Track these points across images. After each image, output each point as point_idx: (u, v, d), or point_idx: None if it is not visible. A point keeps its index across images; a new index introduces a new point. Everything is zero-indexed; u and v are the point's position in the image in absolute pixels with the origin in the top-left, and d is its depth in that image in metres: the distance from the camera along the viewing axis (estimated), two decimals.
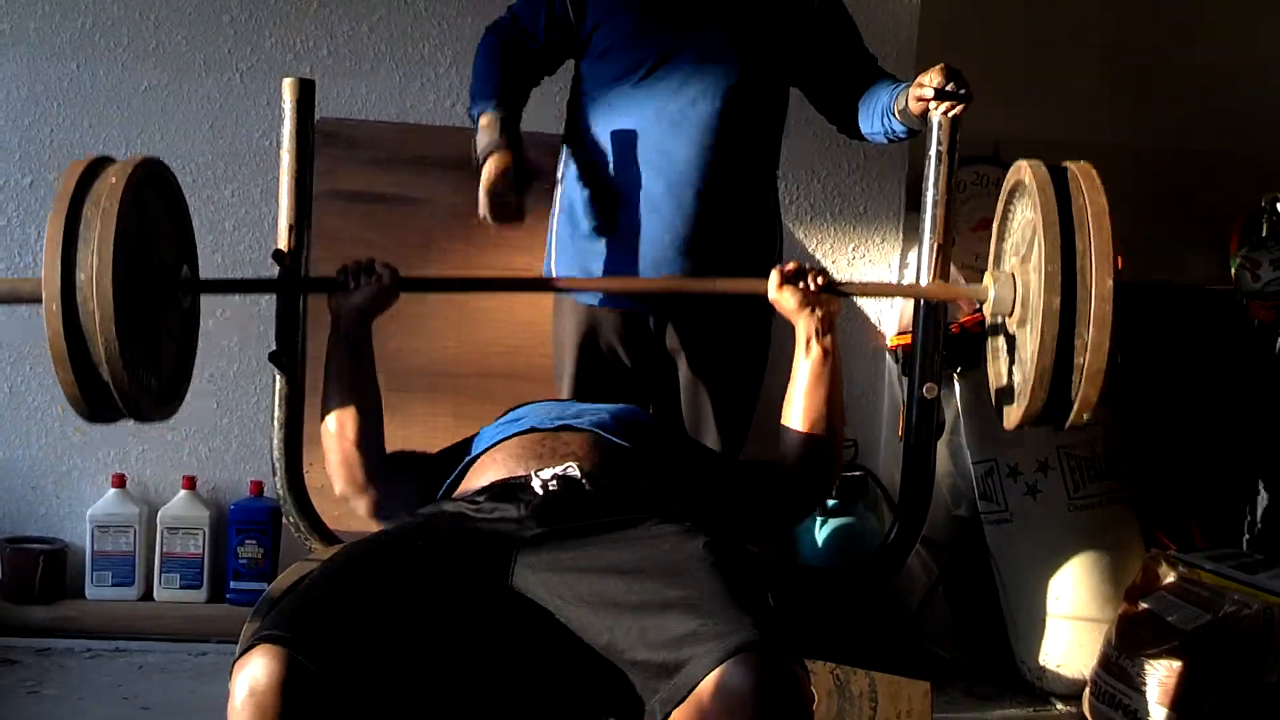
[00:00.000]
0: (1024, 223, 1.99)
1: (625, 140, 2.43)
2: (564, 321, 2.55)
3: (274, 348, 2.18)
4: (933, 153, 2.20)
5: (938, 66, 2.20)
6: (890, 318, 3.40)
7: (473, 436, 2.10)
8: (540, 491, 1.74)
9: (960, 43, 3.59)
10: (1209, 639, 2.83)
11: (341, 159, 3.17)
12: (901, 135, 2.43)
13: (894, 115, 2.37)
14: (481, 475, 1.88)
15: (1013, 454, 3.10)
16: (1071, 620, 3.12)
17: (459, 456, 2.04)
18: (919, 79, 2.23)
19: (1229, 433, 3.45)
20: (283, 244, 2.20)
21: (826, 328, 2.05)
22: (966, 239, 3.64)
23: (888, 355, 3.37)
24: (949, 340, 2.99)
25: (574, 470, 1.78)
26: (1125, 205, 3.78)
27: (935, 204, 2.20)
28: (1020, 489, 3.10)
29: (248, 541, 3.23)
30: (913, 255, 3.11)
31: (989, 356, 2.17)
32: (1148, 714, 2.84)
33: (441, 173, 3.08)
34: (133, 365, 1.78)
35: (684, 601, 1.48)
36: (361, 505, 2.06)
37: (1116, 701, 2.92)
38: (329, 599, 1.53)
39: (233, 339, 3.28)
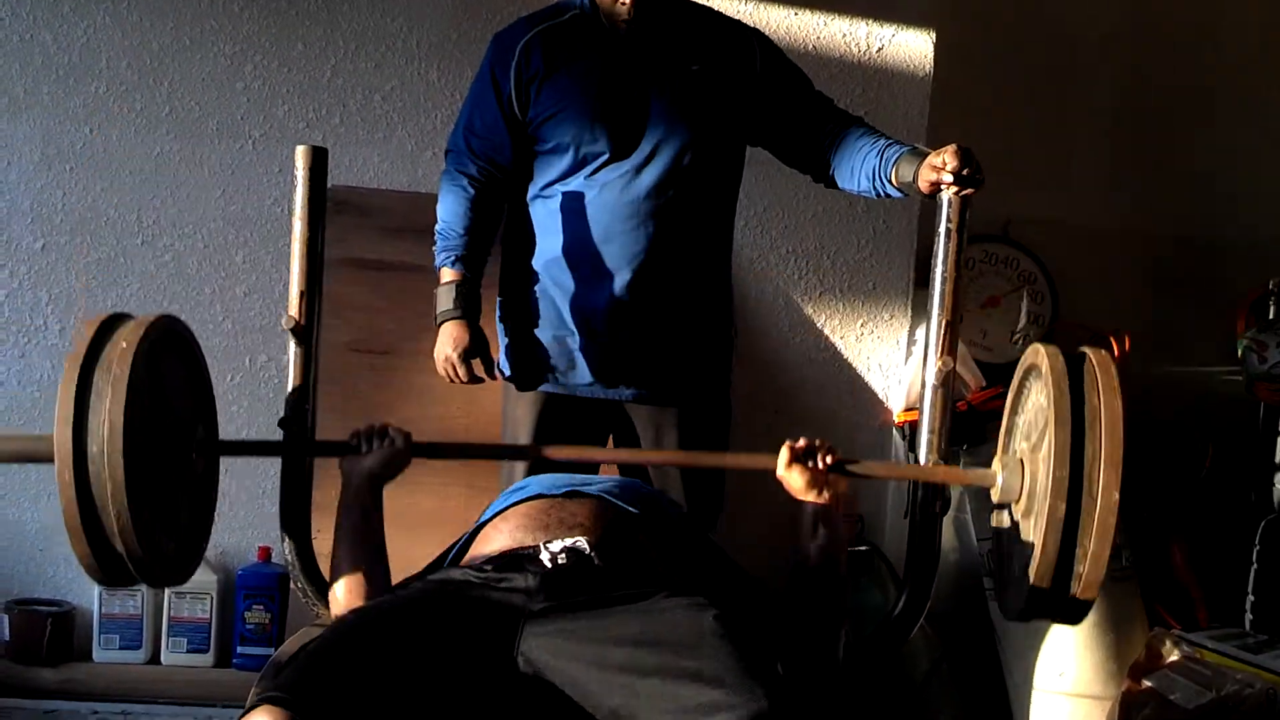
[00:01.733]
0: (1036, 406, 1.99)
1: (572, 235, 2.46)
2: (515, 408, 2.57)
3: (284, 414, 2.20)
4: (942, 230, 2.22)
5: (951, 148, 2.20)
6: (897, 394, 3.41)
7: (460, 539, 2.08)
8: (549, 564, 1.74)
9: (971, 121, 3.62)
10: (1212, 718, 2.81)
11: (353, 226, 3.20)
12: (895, 196, 2.42)
13: (889, 181, 2.36)
14: (489, 543, 1.88)
15: None
16: (1074, 697, 3.10)
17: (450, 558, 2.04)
18: (931, 159, 2.22)
19: (1232, 512, 3.45)
20: (294, 310, 2.22)
21: (834, 509, 2.02)
22: (974, 316, 3.66)
23: (894, 431, 3.38)
24: (956, 418, 3.01)
25: (582, 543, 1.78)
26: (1131, 287, 3.85)
27: (944, 280, 2.21)
28: None
29: (255, 607, 3.23)
30: (921, 332, 3.13)
31: (993, 536, 2.18)
32: None
33: None
34: (147, 532, 1.77)
35: (699, 673, 1.48)
36: None
37: None
38: (332, 662, 1.53)
39: (242, 404, 3.30)
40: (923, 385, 2.26)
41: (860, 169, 2.42)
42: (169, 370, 1.93)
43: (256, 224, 3.31)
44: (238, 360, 3.29)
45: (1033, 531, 1.91)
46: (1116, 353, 3.36)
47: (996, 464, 2.08)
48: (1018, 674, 3.15)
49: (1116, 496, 1.80)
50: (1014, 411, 2.12)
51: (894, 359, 3.45)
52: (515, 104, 2.44)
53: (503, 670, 1.60)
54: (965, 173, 2.18)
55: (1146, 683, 2.97)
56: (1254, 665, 2.92)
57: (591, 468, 2.46)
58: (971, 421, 3.12)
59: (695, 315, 2.52)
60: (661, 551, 1.92)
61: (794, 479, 2.02)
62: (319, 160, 2.24)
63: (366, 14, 3.30)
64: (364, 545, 2.01)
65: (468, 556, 1.92)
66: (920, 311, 3.30)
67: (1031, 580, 1.87)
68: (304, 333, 2.21)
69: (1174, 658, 3.04)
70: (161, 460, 1.86)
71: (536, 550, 1.77)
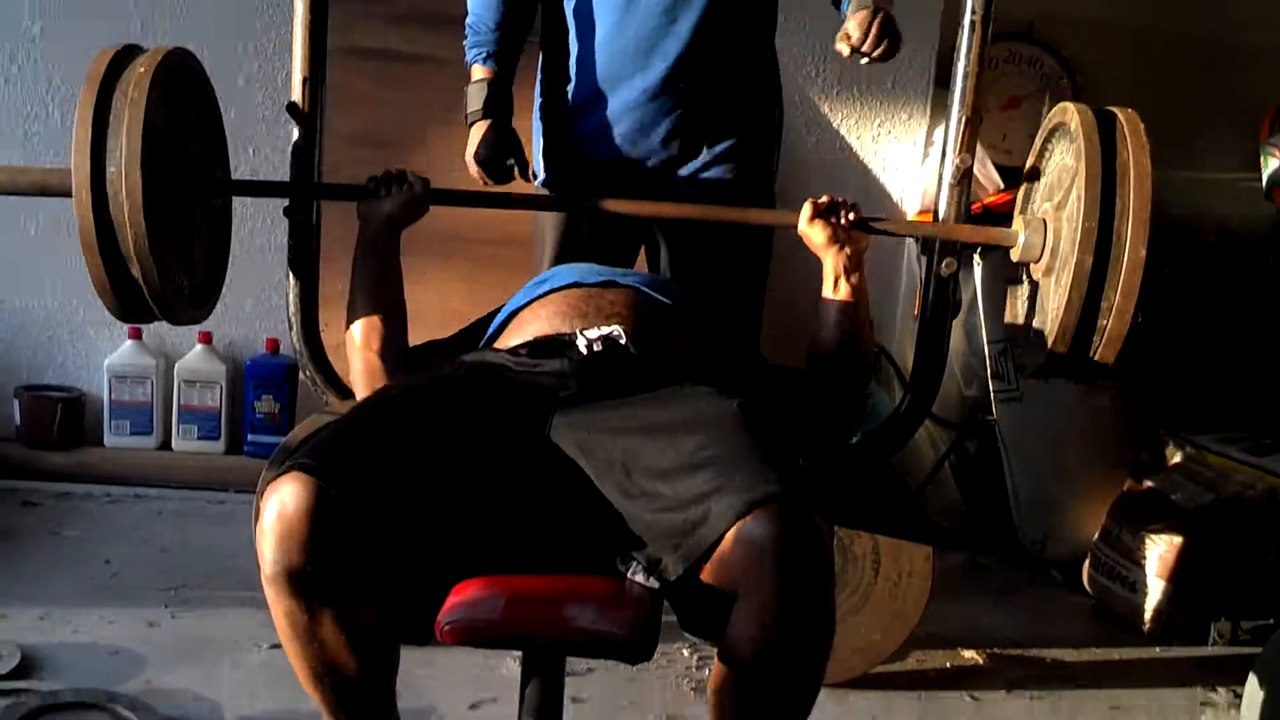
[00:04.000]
0: (1061, 167, 1.96)
1: (608, 27, 2.34)
2: (543, 214, 2.53)
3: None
4: (966, 22, 2.14)
5: (859, 18, 2.11)
6: (912, 196, 3.37)
7: (490, 314, 2.08)
8: (585, 351, 1.73)
9: None
10: (1212, 518, 2.87)
11: (358, 14, 3.10)
12: None
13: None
14: (525, 329, 1.87)
15: None
16: (1075, 496, 3.16)
17: (478, 334, 2.03)
18: (845, 26, 2.14)
19: (1243, 329, 3.45)
20: (296, 97, 2.17)
21: (855, 264, 2.04)
22: (995, 118, 3.58)
23: None
24: (972, 220, 2.97)
25: (618, 332, 1.77)
26: (1158, 89, 3.75)
27: (966, 76, 2.14)
28: None
29: (264, 396, 3.26)
30: (939, 133, 3.07)
31: (1009, 297, 2.17)
32: (1145, 586, 2.90)
33: (463, 32, 3.02)
34: (163, 262, 1.76)
35: (710, 460, 1.48)
36: None
37: (1115, 573, 2.98)
38: (362, 436, 1.53)
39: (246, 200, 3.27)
40: (939, 186, 2.22)
41: None
42: (184, 104, 1.89)
43: (260, 10, 3.22)
44: (242, 152, 3.23)
45: (1055, 288, 1.90)
46: None
47: (1018, 222, 2.06)
48: (1019, 474, 3.20)
49: (1144, 252, 1.80)
50: (1035, 174, 2.10)
51: (911, 160, 3.40)
52: None
53: (533, 449, 1.60)
54: (865, 48, 2.11)
55: (1148, 483, 3.02)
56: (1257, 468, 2.97)
57: (623, 262, 2.43)
58: (987, 223, 3.08)
59: (737, 104, 2.44)
60: (694, 343, 1.91)
61: (816, 234, 2.03)
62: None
63: None
64: (382, 290, 2.02)
65: (502, 339, 1.90)
66: (939, 112, 3.24)
67: (1055, 333, 1.87)
68: (307, 119, 2.17)
69: (1177, 459, 3.08)
70: (177, 194, 1.84)
71: (573, 337, 1.76)
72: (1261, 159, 3.41)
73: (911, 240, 3.30)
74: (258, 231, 3.28)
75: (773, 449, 1.50)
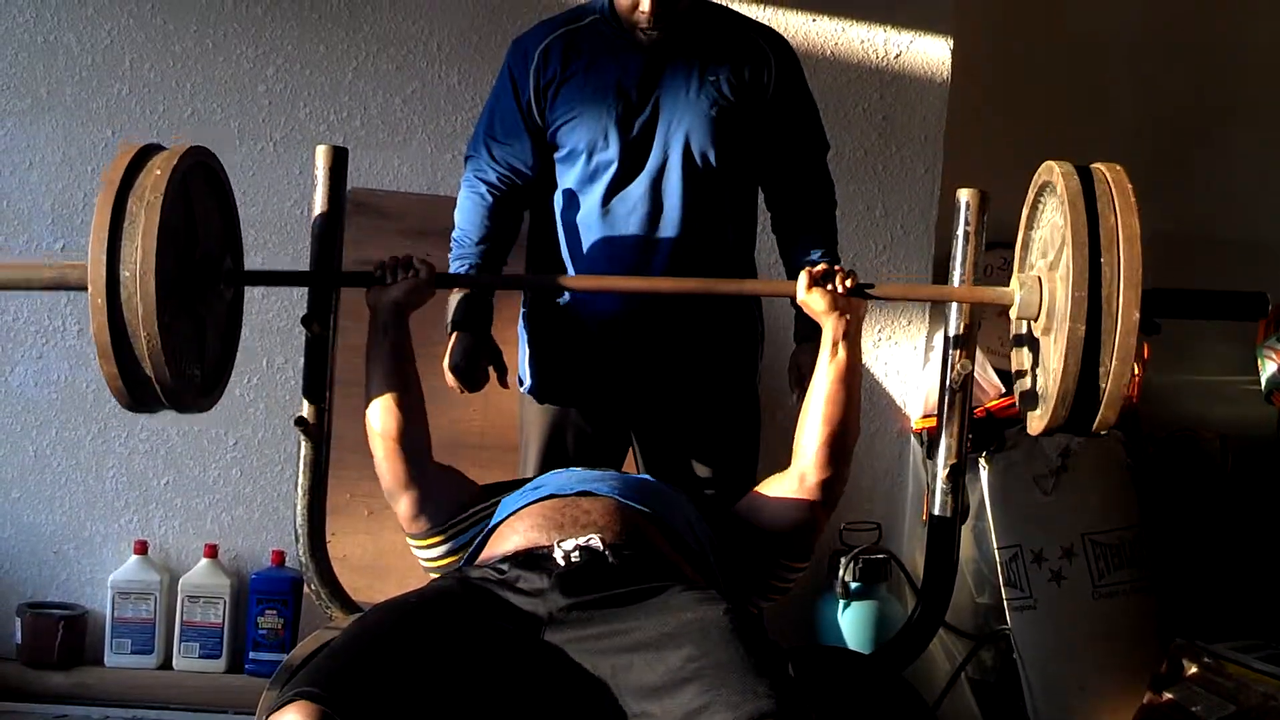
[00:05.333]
0: (1052, 224, 2.01)
1: (591, 244, 2.45)
2: (533, 414, 2.57)
3: (306, 312, 2.22)
4: (960, 233, 2.21)
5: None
6: (915, 401, 3.39)
7: (515, 483, 2.12)
8: (563, 563, 1.74)
9: (987, 128, 3.62)
10: None
11: (371, 229, 3.19)
12: None
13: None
14: (504, 542, 1.88)
15: (1038, 540, 3.07)
16: (1095, 709, 3.08)
17: (501, 490, 2.08)
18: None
19: (1255, 528, 3.43)
20: (311, 312, 2.22)
21: (853, 331, 2.08)
22: (992, 323, 3.63)
23: (912, 438, 3.36)
24: (974, 425, 2.99)
25: (596, 541, 1.78)
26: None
27: (962, 284, 2.21)
28: (1045, 575, 3.07)
29: (268, 611, 3.22)
30: (938, 338, 3.11)
31: (1013, 361, 2.21)
32: None
33: None
34: (175, 357, 1.82)
35: (699, 673, 1.47)
36: (404, 504, 2.09)
37: None
38: (360, 659, 1.52)
39: (259, 406, 3.30)
40: (940, 391, 2.25)
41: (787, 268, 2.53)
42: (199, 200, 1.97)
43: (276, 226, 3.31)
44: (255, 362, 3.28)
45: (1053, 351, 1.93)
46: (1136, 360, 3.34)
47: (1014, 282, 2.10)
48: (1037, 686, 3.13)
49: (1137, 316, 1.82)
50: (1029, 227, 2.13)
51: (912, 365, 3.44)
52: (535, 109, 2.43)
53: (525, 675, 1.60)
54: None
55: (1167, 695, 2.95)
56: (1277, 677, 2.90)
57: (610, 463, 2.45)
58: (989, 428, 3.10)
59: (719, 322, 2.51)
60: (674, 547, 1.91)
61: (815, 301, 2.07)
62: (339, 160, 2.25)
63: (388, 17, 3.32)
64: (396, 375, 2.09)
65: (484, 555, 1.92)
66: (938, 318, 3.29)
67: (1054, 400, 1.90)
68: (321, 333, 2.21)
69: (1195, 670, 3.02)
70: (191, 288, 1.91)
71: (550, 549, 1.77)
72: (1259, 362, 3.44)
73: (917, 443, 3.32)
74: (268, 441, 3.30)
75: (763, 657, 1.49)
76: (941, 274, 2.87)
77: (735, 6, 2.66)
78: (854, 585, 3.12)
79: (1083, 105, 3.78)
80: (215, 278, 2.01)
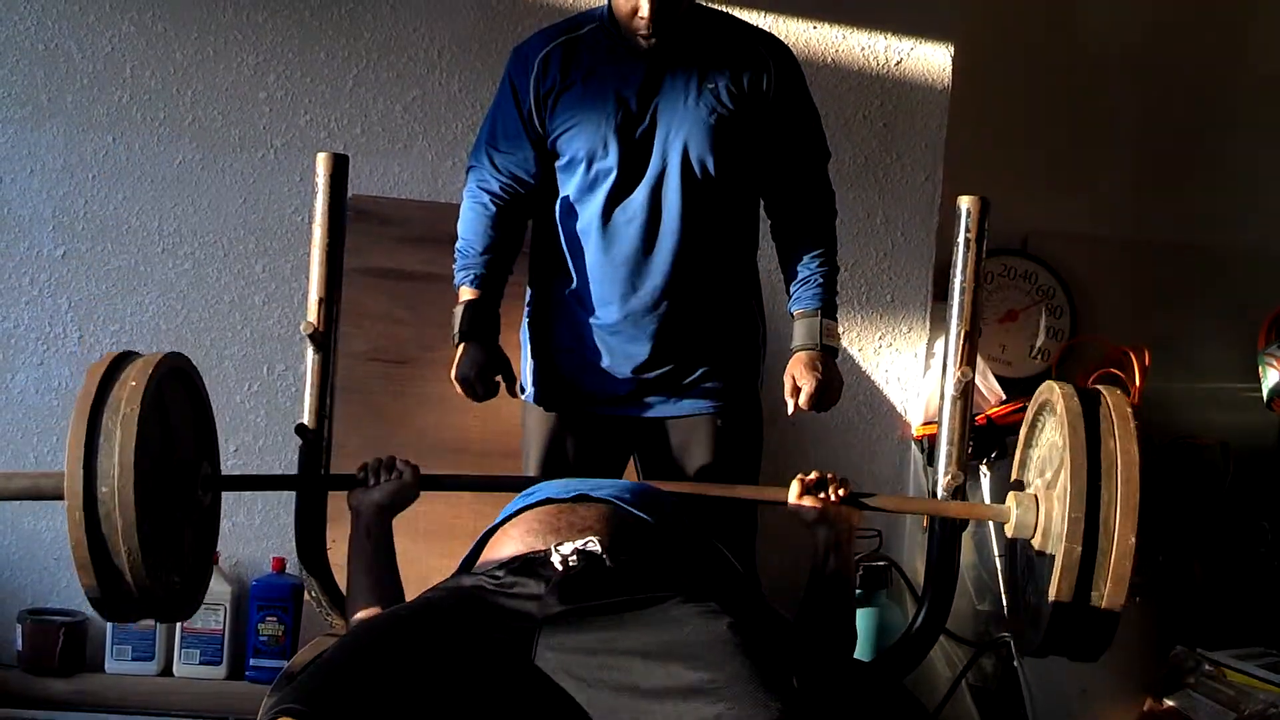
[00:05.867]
0: (1050, 443, 2.01)
1: (592, 253, 2.46)
2: (534, 423, 2.57)
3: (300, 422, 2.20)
4: (961, 240, 2.21)
5: (809, 385, 2.40)
6: (916, 407, 3.39)
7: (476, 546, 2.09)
8: (560, 567, 1.73)
9: (989, 135, 3.62)
10: None
11: (373, 236, 3.20)
12: None
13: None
14: (500, 548, 1.88)
15: None
16: (1095, 716, 3.08)
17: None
18: (792, 369, 2.44)
19: (1253, 527, 3.42)
20: (312, 317, 2.22)
21: (845, 540, 2.05)
22: (993, 330, 3.64)
23: (913, 445, 3.36)
24: (975, 432, 2.98)
25: (594, 545, 1.77)
26: (1152, 301, 3.82)
27: (963, 291, 2.21)
28: None
29: (268, 618, 3.22)
30: (939, 345, 3.11)
31: (1007, 568, 2.22)
32: None
33: None
34: (155, 568, 1.80)
35: (707, 685, 1.46)
36: None
37: None
38: (348, 672, 1.52)
39: (259, 413, 3.30)
40: (941, 398, 2.25)
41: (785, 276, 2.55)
42: (175, 407, 1.96)
43: (277, 233, 3.31)
44: (256, 369, 3.29)
45: (1048, 571, 1.92)
46: (1137, 368, 3.34)
47: (1011, 500, 2.09)
48: (1037, 690, 3.13)
49: (1133, 541, 1.82)
50: (1028, 445, 2.13)
51: (912, 372, 3.44)
52: (535, 117, 2.43)
53: (520, 678, 1.58)
54: (803, 404, 2.40)
55: (1168, 702, 2.95)
56: (1277, 685, 2.90)
57: (610, 474, 2.45)
58: (990, 435, 3.10)
59: (718, 328, 2.51)
60: (672, 554, 1.91)
61: (805, 512, 2.05)
62: (340, 167, 2.25)
63: (389, 24, 3.32)
64: (378, 580, 2.05)
65: (479, 562, 1.91)
66: (939, 325, 3.29)
67: (1047, 622, 1.90)
68: (322, 339, 2.21)
69: (1196, 677, 3.02)
70: (169, 497, 1.89)
71: (547, 553, 1.76)
72: (1260, 369, 3.45)
73: (917, 450, 3.32)
74: (268, 448, 3.30)
75: (769, 669, 1.49)
76: (942, 281, 2.87)
77: (736, 13, 2.66)
78: (855, 593, 3.11)
79: (1083, 113, 3.79)
80: (193, 484, 1.99)
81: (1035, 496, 2.03)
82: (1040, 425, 2.09)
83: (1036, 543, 2.01)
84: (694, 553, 1.96)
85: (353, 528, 2.11)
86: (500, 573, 1.76)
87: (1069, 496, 1.85)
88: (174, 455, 1.93)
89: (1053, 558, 1.90)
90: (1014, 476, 2.18)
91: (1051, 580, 1.88)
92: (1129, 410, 1.90)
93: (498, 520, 1.98)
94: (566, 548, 1.77)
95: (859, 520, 2.09)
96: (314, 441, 2.21)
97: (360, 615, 2.00)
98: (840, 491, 2.06)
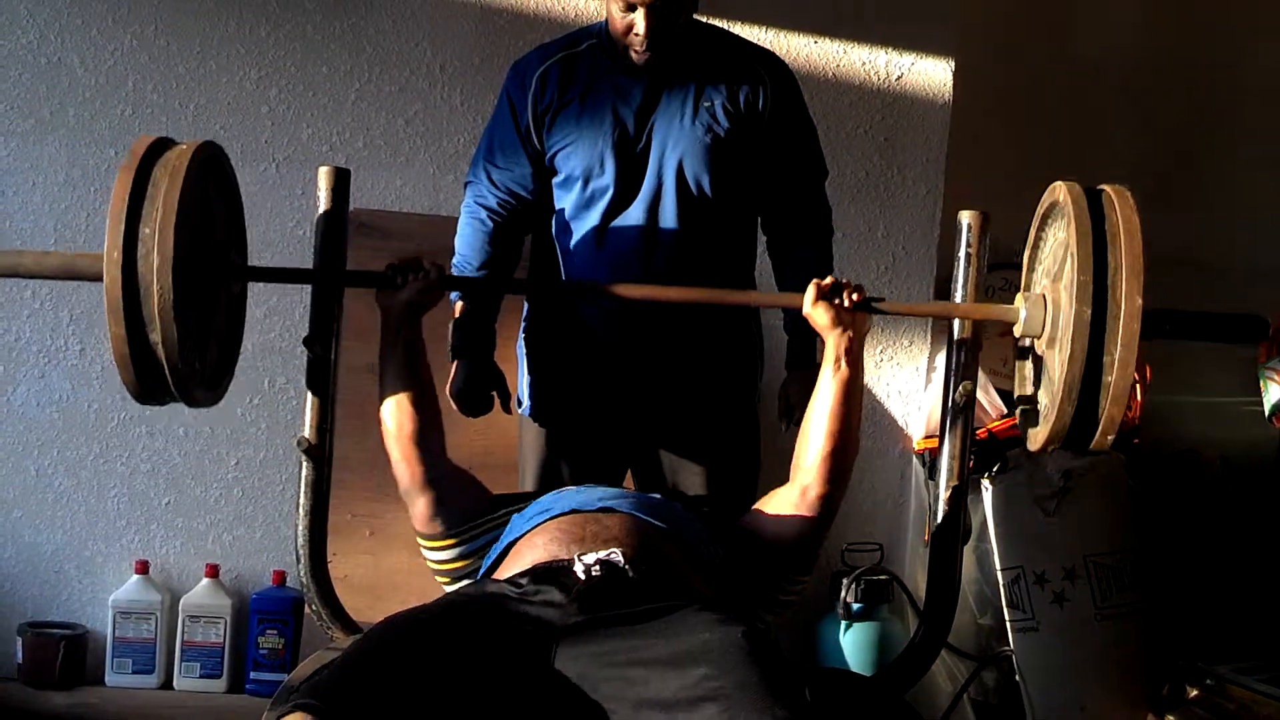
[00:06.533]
0: (1057, 244, 2.04)
1: (589, 270, 2.46)
2: (532, 438, 2.57)
3: (308, 334, 2.23)
4: (962, 254, 2.22)
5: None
6: (917, 420, 3.39)
7: (525, 496, 2.15)
8: (583, 576, 1.74)
9: (989, 150, 3.63)
10: None
11: (374, 249, 3.20)
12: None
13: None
14: (523, 557, 1.88)
15: (1040, 561, 3.07)
16: None
17: (512, 502, 2.11)
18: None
19: (1257, 550, 3.43)
20: (313, 332, 2.22)
21: (857, 346, 2.09)
22: (994, 344, 3.63)
23: (914, 459, 3.36)
24: (977, 445, 2.98)
25: (617, 556, 1.78)
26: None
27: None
28: (1047, 596, 3.08)
29: (269, 631, 3.22)
30: (940, 359, 3.11)
31: (1016, 381, 2.23)
32: None
33: None
34: (184, 335, 1.83)
35: (717, 694, 1.46)
36: (420, 504, 2.10)
37: None
38: (364, 671, 1.52)
39: (260, 427, 3.30)
40: (943, 411, 2.25)
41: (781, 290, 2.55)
42: (211, 193, 1.99)
43: (278, 246, 3.30)
44: (257, 383, 3.29)
45: (1057, 354, 1.95)
46: (1137, 382, 3.34)
47: (1019, 299, 2.12)
48: (1039, 707, 3.12)
49: (1140, 302, 1.85)
50: (1032, 264, 2.15)
51: (914, 385, 3.44)
52: (533, 133, 2.44)
53: (537, 686, 1.59)
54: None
55: (1170, 717, 2.95)
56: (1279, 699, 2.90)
57: (619, 485, 2.45)
58: (992, 449, 3.11)
59: (717, 346, 2.51)
60: (690, 564, 1.92)
61: (819, 315, 2.08)
62: (341, 181, 2.25)
63: (390, 39, 3.33)
64: (410, 376, 2.12)
65: (501, 570, 1.91)
66: (940, 338, 3.29)
67: (1061, 393, 1.90)
68: (323, 353, 2.21)
69: (1197, 692, 3.01)
70: (203, 270, 1.93)
71: (571, 563, 1.77)
72: (1261, 383, 3.44)
73: (919, 463, 3.32)
74: (269, 462, 3.30)
75: (780, 678, 1.49)
76: (943, 295, 2.87)
77: (735, 29, 2.67)
78: (856, 606, 3.11)
79: (1083, 127, 3.80)
80: (224, 270, 2.04)
81: (1042, 294, 2.06)
82: (1044, 236, 2.13)
83: (1045, 337, 2.04)
84: (708, 561, 1.97)
85: (383, 328, 2.15)
86: (523, 580, 1.76)
87: (1076, 261, 1.88)
88: (209, 238, 1.97)
89: (1062, 338, 1.93)
90: (1022, 284, 2.20)
91: (1062, 353, 1.90)
92: (1129, 194, 1.96)
93: (521, 530, 1.98)
94: (590, 558, 1.77)
95: (869, 327, 2.14)
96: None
97: (393, 409, 2.10)
98: (854, 296, 2.09)
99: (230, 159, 2.09)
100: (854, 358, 2.09)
